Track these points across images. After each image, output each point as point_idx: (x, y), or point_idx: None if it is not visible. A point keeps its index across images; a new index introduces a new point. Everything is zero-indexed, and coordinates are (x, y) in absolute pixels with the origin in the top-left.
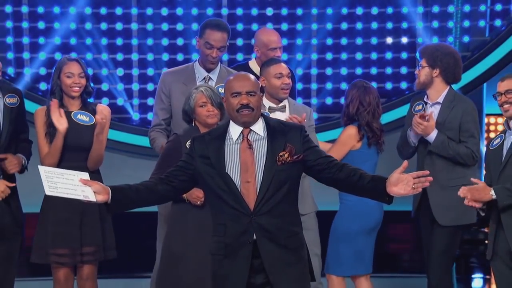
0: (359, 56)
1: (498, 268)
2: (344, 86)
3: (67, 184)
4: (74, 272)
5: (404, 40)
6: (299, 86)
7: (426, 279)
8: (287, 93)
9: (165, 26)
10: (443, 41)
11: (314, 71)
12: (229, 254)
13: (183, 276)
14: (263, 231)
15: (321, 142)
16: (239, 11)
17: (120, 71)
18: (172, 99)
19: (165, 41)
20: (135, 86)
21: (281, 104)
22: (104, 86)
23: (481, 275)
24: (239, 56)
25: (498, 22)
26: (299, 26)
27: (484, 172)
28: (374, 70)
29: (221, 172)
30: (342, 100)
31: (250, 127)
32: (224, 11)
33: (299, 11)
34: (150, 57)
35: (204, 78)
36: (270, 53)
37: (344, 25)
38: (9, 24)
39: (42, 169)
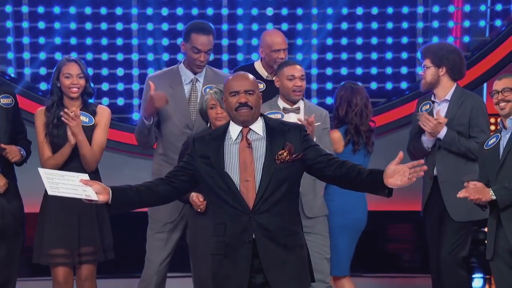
0: (359, 56)
1: (498, 267)
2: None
3: (68, 184)
4: (73, 273)
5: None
6: None
7: (426, 279)
8: (298, 95)
9: (165, 26)
10: (442, 40)
11: (314, 71)
12: (229, 254)
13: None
14: (262, 230)
15: None
16: (239, 11)
17: (120, 71)
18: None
19: (165, 41)
20: (135, 86)
21: (295, 106)
22: (104, 86)
23: (481, 275)
24: (239, 56)
25: (498, 22)
26: (299, 26)
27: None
28: (374, 70)
29: (220, 171)
30: None
31: (249, 127)
32: (224, 11)
33: (299, 11)
34: (150, 57)
35: (191, 80)
36: (274, 55)
37: (344, 25)
38: (9, 24)
39: (42, 171)
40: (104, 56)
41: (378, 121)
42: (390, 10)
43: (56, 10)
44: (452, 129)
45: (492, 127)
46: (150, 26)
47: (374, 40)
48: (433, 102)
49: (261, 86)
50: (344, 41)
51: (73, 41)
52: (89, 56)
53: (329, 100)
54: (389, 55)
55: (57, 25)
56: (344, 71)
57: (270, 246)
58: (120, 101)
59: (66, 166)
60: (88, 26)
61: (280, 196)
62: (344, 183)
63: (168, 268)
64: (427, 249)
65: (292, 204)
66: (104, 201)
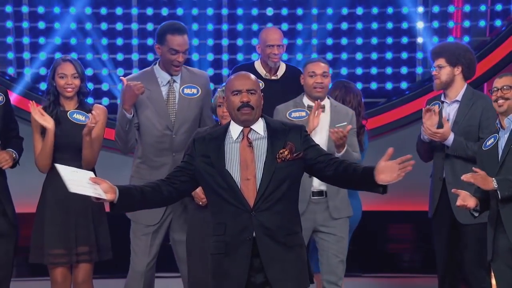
0: (359, 56)
1: (499, 268)
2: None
3: (80, 181)
4: (71, 272)
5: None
6: None
7: (426, 279)
8: (319, 92)
9: None
10: (443, 41)
11: None
12: (229, 253)
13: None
14: (263, 228)
15: None
16: (239, 11)
17: (120, 71)
18: (138, 106)
19: None
20: None
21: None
22: (104, 86)
23: None
24: (239, 56)
25: (498, 22)
26: (299, 26)
27: None
28: (374, 70)
29: (221, 170)
30: None
31: (251, 126)
32: (224, 11)
33: (299, 11)
34: (150, 57)
35: (169, 81)
36: (267, 50)
37: (344, 25)
38: (9, 24)
39: (59, 167)
40: (104, 56)
41: (378, 121)
42: (390, 10)
43: (56, 10)
44: (462, 130)
45: None
46: (150, 26)
47: (374, 40)
48: (443, 102)
49: (260, 85)
50: (344, 41)
51: (73, 41)
52: (89, 56)
53: None
54: (389, 55)
55: (57, 25)
56: (344, 71)
57: (271, 245)
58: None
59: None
60: (88, 26)
61: (280, 194)
62: (342, 183)
63: (155, 270)
64: (428, 249)
65: (292, 204)
66: (110, 200)
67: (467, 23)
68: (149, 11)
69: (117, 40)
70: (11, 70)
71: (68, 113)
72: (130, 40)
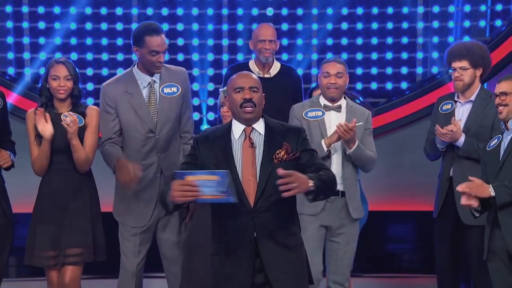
0: (359, 56)
1: (496, 267)
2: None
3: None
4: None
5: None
6: None
7: (426, 279)
8: (332, 92)
9: (165, 26)
10: (443, 41)
11: (314, 71)
12: (230, 253)
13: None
14: (263, 229)
15: None
16: (240, 11)
17: (120, 71)
18: (119, 109)
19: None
20: None
21: (336, 104)
22: None
23: None
24: (240, 56)
25: (498, 22)
26: (299, 26)
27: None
28: (374, 70)
29: (224, 169)
30: None
31: (252, 126)
32: (225, 11)
33: (300, 11)
34: None
35: (149, 83)
36: (259, 45)
37: (344, 25)
38: (9, 24)
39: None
40: (104, 56)
41: (378, 121)
42: (390, 10)
43: (56, 10)
44: (474, 130)
45: None
46: None
47: (374, 40)
48: (455, 101)
49: None
50: (344, 41)
51: (73, 41)
52: (89, 56)
53: None
54: (389, 55)
55: (57, 25)
56: None
57: (271, 245)
58: None
59: (57, 168)
60: (88, 26)
61: (279, 195)
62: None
63: (143, 271)
64: (429, 249)
65: (291, 205)
66: None
67: (467, 23)
68: (149, 11)
69: (117, 40)
70: (11, 70)
71: (62, 115)
72: (130, 40)
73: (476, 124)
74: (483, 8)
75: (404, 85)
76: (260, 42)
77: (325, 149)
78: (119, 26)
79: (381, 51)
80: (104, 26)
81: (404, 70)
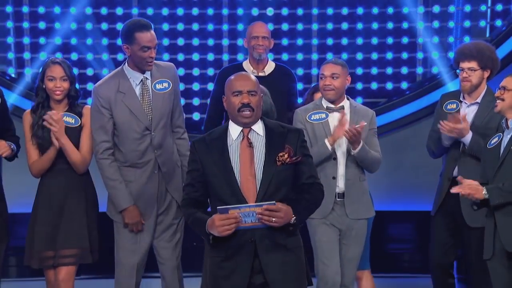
0: (359, 56)
1: (495, 267)
2: None
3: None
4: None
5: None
6: (300, 86)
7: (426, 279)
8: (328, 94)
9: (165, 26)
10: (443, 41)
11: (314, 71)
12: (230, 255)
13: None
14: (263, 230)
15: None
16: (240, 11)
17: None
18: (114, 110)
19: (165, 41)
20: None
21: (339, 105)
22: None
23: None
24: (240, 56)
25: (498, 22)
26: (299, 26)
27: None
28: (374, 70)
29: (223, 170)
30: None
31: (251, 126)
32: (225, 11)
33: (300, 11)
34: None
35: (141, 80)
36: (252, 42)
37: (344, 25)
38: (9, 24)
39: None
40: (105, 56)
41: (378, 121)
42: (390, 10)
43: (56, 10)
44: (480, 132)
45: None
46: None
47: (375, 40)
48: (461, 101)
49: None
50: (344, 41)
51: (73, 41)
52: (90, 56)
53: None
54: (389, 55)
55: (57, 25)
56: None
57: (271, 247)
58: None
59: (54, 168)
60: (88, 26)
61: (281, 197)
62: None
63: (142, 274)
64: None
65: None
66: None
67: (467, 23)
68: (149, 11)
69: (117, 40)
70: (11, 70)
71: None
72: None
73: (482, 126)
74: (483, 8)
75: (404, 85)
76: (253, 38)
77: (329, 147)
78: (119, 26)
79: (381, 51)
80: (104, 26)
81: (404, 70)
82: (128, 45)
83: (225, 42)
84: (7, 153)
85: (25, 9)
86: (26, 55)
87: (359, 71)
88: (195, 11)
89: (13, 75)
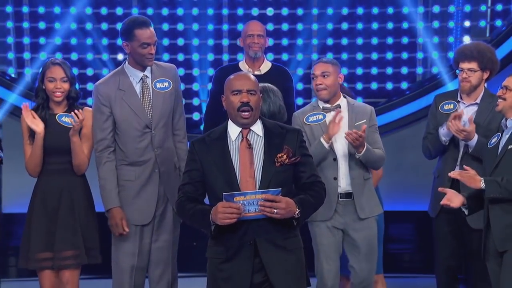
0: (359, 56)
1: (491, 268)
2: (345, 86)
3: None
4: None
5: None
6: (300, 86)
7: (426, 279)
8: (321, 93)
9: (165, 26)
10: (443, 41)
11: None
12: (230, 256)
13: None
14: (263, 231)
15: None
16: (240, 11)
17: None
18: (114, 107)
19: (165, 41)
20: None
21: (334, 104)
22: None
23: None
24: (240, 56)
25: (498, 22)
26: (299, 26)
27: None
28: (374, 70)
29: (223, 171)
30: None
31: (250, 127)
32: (225, 11)
33: (300, 11)
34: None
35: (141, 78)
36: (248, 40)
37: (344, 25)
38: (9, 24)
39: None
40: (105, 56)
41: (378, 121)
42: (390, 10)
43: (56, 10)
44: (481, 133)
45: None
46: None
47: (375, 40)
48: (458, 102)
49: None
50: (344, 41)
51: (73, 41)
52: (89, 56)
53: None
54: (389, 55)
55: (57, 25)
56: (344, 71)
57: (271, 248)
58: None
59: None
60: (88, 26)
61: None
62: None
63: (145, 274)
64: (429, 249)
65: None
66: None
67: (467, 23)
68: (149, 11)
69: (117, 40)
70: (11, 70)
71: (57, 116)
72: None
73: (483, 126)
74: (483, 8)
75: (404, 85)
76: (248, 37)
77: (326, 145)
78: (119, 26)
79: (381, 51)
80: (104, 26)
81: (404, 70)
82: (128, 42)
83: (225, 42)
84: None
85: (25, 9)
86: (26, 55)
87: (359, 71)
88: (195, 11)
89: (13, 75)
